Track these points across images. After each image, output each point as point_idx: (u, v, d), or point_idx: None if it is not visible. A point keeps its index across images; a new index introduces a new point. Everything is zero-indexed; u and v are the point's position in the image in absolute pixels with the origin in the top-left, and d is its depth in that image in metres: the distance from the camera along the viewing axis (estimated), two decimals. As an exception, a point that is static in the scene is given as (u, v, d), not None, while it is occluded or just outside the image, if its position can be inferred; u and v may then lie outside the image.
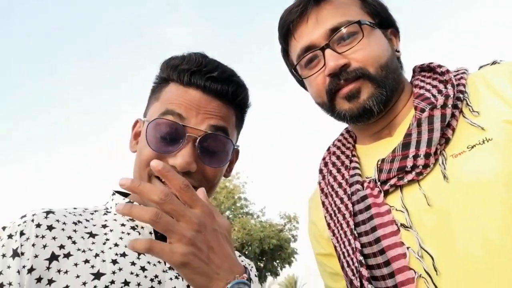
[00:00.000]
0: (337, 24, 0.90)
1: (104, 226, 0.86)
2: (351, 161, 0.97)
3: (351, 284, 0.87)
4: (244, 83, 0.92)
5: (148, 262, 0.82)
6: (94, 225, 0.85)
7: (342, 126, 1.08)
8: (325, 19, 0.92)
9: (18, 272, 0.72)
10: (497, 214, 0.72)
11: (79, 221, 0.84)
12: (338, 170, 0.98)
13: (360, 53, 0.88)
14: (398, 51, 0.97)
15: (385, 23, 0.96)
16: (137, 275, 0.79)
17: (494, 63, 0.91)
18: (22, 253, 0.74)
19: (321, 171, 1.06)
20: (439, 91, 0.87)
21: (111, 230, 0.85)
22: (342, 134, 1.09)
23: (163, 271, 0.83)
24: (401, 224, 0.80)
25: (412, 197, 0.81)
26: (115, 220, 0.88)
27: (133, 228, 0.87)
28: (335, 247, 0.93)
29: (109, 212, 0.90)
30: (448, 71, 0.90)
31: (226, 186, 14.92)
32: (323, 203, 0.99)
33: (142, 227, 0.87)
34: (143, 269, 0.81)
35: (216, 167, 0.86)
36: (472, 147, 0.78)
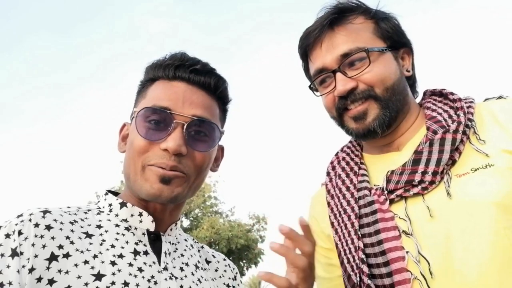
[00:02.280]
0: (348, 50, 0.98)
1: (99, 227, 0.87)
2: (359, 168, 1.06)
3: (348, 279, 0.96)
4: (223, 77, 0.98)
5: (144, 263, 0.85)
6: (89, 225, 0.86)
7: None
8: (337, 44, 1.00)
9: (18, 271, 0.73)
10: (491, 231, 0.82)
11: (75, 221, 0.85)
12: (347, 175, 1.06)
13: (368, 75, 0.97)
14: (409, 71, 1.05)
15: (397, 44, 1.05)
16: (135, 276, 0.82)
17: (500, 97, 1.01)
18: (21, 253, 0.74)
19: (328, 173, 1.15)
20: (450, 116, 0.97)
21: (106, 231, 0.87)
22: (351, 142, 1.18)
23: (159, 272, 0.86)
24: (403, 231, 0.89)
25: (415, 208, 0.90)
26: (109, 220, 0.90)
27: (127, 229, 0.89)
28: (336, 244, 1.01)
29: (102, 212, 0.92)
30: (460, 99, 1.00)
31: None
32: (328, 203, 1.07)
33: (136, 228, 0.90)
34: (140, 270, 0.83)
35: (204, 151, 0.90)
36: (476, 170, 0.88)
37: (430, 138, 0.93)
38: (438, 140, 0.91)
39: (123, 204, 0.92)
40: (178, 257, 0.95)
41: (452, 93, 1.04)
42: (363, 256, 0.92)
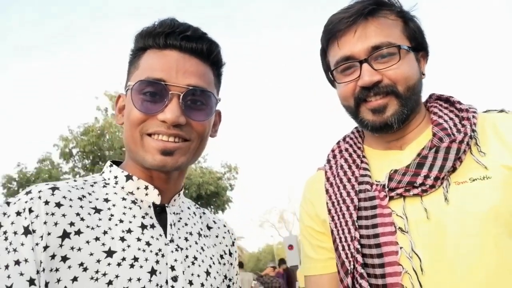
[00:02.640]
0: (379, 43, 1.00)
1: (106, 200, 0.89)
2: (361, 162, 1.11)
3: (342, 265, 1.03)
4: (215, 41, 0.97)
5: (152, 237, 0.88)
6: (97, 199, 0.87)
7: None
8: (370, 35, 1.01)
9: (33, 249, 0.73)
10: (481, 238, 0.89)
11: (83, 196, 0.86)
12: (349, 167, 1.11)
13: (393, 72, 1.00)
14: (424, 74, 1.08)
15: (419, 46, 1.07)
16: (143, 250, 0.85)
17: (502, 111, 1.06)
18: (34, 231, 0.75)
19: (329, 161, 1.20)
20: (455, 125, 1.02)
21: (113, 205, 0.88)
22: (353, 133, 1.23)
23: (165, 244, 0.89)
24: (399, 228, 0.96)
25: (412, 207, 0.97)
26: (115, 193, 0.91)
27: (133, 202, 0.91)
28: (332, 230, 1.07)
29: (108, 184, 0.93)
30: (467, 110, 1.04)
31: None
32: (327, 190, 1.13)
33: (142, 201, 0.92)
34: (148, 244, 0.86)
35: (202, 120, 0.90)
36: (474, 180, 0.94)
37: (436, 145, 0.98)
38: (444, 148, 0.97)
39: (128, 177, 0.93)
40: (183, 226, 0.98)
41: (459, 102, 1.08)
42: (359, 246, 0.99)
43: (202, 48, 0.92)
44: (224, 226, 1.15)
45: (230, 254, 1.11)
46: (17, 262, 0.72)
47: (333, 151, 1.22)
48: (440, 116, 1.06)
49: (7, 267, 0.71)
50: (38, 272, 0.73)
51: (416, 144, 1.06)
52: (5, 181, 13.43)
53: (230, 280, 1.08)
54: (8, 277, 0.70)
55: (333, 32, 1.06)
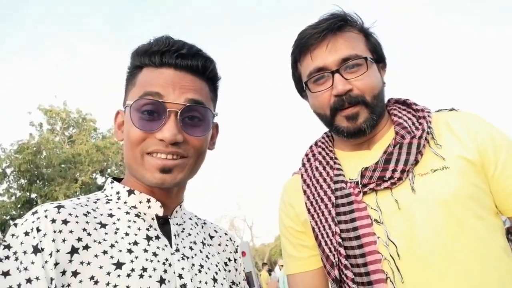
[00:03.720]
0: (348, 55, 1.10)
1: (111, 215, 0.91)
2: (334, 163, 1.20)
3: (326, 259, 1.11)
4: (210, 56, 1.00)
5: (158, 247, 0.90)
6: (101, 215, 0.89)
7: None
8: (339, 48, 1.11)
9: (43, 267, 0.75)
10: (446, 220, 1.01)
11: (88, 212, 0.88)
12: (324, 168, 1.20)
13: (361, 82, 1.10)
14: (384, 83, 1.20)
15: (379, 59, 1.19)
16: (151, 260, 0.86)
17: (452, 109, 1.20)
18: (42, 249, 0.76)
19: (304, 164, 1.28)
20: (413, 123, 1.14)
21: (118, 219, 0.90)
22: (323, 138, 1.32)
23: (171, 254, 0.91)
24: (374, 219, 1.05)
25: (384, 200, 1.06)
26: (119, 208, 0.93)
27: (137, 215, 0.93)
28: (313, 228, 1.15)
29: (111, 200, 0.95)
30: (422, 110, 1.17)
31: (116, 142, 14.33)
32: (304, 191, 1.21)
33: (145, 213, 0.94)
34: (154, 254, 0.88)
35: (200, 136, 0.93)
36: (435, 170, 1.05)
37: (399, 142, 1.09)
38: (407, 144, 1.08)
39: (130, 192, 0.95)
40: (186, 236, 1.00)
41: (415, 104, 1.21)
42: (340, 240, 1.08)
43: (198, 65, 0.94)
44: (226, 234, 1.18)
45: (235, 260, 1.14)
46: (29, 280, 0.73)
47: (306, 155, 1.31)
48: (400, 117, 1.18)
49: (19, 286, 0.72)
50: None
51: (382, 143, 1.17)
52: None
53: (237, 285, 1.11)
54: None
55: (306, 45, 1.15)
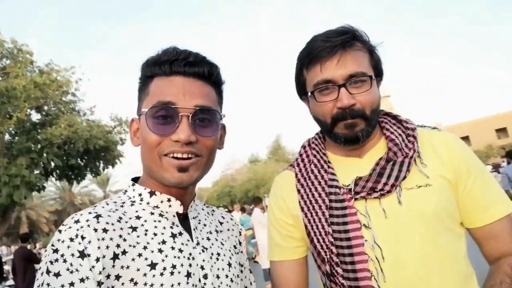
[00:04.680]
0: (355, 72, 1.20)
1: (138, 217, 0.99)
2: (328, 167, 1.32)
3: (318, 254, 1.27)
4: (215, 63, 1.10)
5: (182, 244, 1.00)
6: (130, 218, 0.98)
7: None
8: (348, 64, 1.21)
9: (90, 270, 0.82)
10: (426, 231, 1.18)
11: (120, 218, 0.96)
12: (319, 171, 1.32)
13: (364, 98, 1.21)
14: (380, 96, 1.31)
15: (378, 73, 1.30)
16: (178, 257, 0.96)
17: (434, 128, 1.35)
18: (89, 255, 0.84)
19: (298, 164, 1.40)
20: (403, 140, 1.28)
21: (145, 221, 0.99)
22: (316, 139, 1.44)
23: (193, 248, 1.02)
24: (363, 224, 1.21)
25: (373, 208, 1.21)
26: (143, 210, 1.02)
27: (160, 215, 1.03)
28: (305, 225, 1.29)
29: (134, 202, 1.03)
30: (413, 129, 1.30)
31: (56, 79, 13.40)
32: (298, 190, 1.33)
33: (167, 212, 1.04)
34: (180, 250, 0.98)
35: (210, 136, 1.02)
36: (419, 187, 1.21)
37: (392, 158, 1.23)
38: (399, 162, 1.22)
39: (152, 193, 1.03)
40: (203, 228, 1.11)
41: (406, 121, 1.34)
42: (332, 240, 1.23)
43: (204, 71, 1.02)
44: (231, 219, 1.30)
45: (240, 243, 1.27)
46: (82, 280, 0.81)
47: (301, 155, 1.42)
48: (392, 133, 1.32)
49: (72, 284, 0.80)
50: None
51: (372, 153, 1.30)
52: None
53: (242, 265, 1.24)
54: None
55: (318, 57, 1.23)
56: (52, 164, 13.30)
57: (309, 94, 1.29)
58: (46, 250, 0.87)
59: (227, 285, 1.06)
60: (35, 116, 14.19)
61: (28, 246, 10.52)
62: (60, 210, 46.75)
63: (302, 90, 1.34)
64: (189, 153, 0.98)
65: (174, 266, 0.94)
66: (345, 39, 1.22)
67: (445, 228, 1.21)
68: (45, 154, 13.00)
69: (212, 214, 1.23)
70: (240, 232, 1.30)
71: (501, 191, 1.27)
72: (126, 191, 1.07)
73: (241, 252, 1.27)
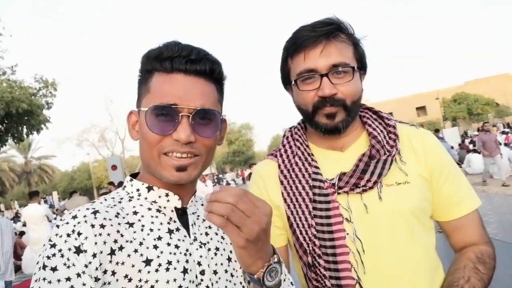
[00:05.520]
0: (338, 62, 1.22)
1: (135, 213, 0.98)
2: (312, 160, 1.34)
3: (300, 246, 1.29)
4: (217, 59, 1.09)
5: (178, 239, 0.98)
6: (127, 214, 0.97)
7: None
8: (331, 54, 1.22)
9: (86, 266, 0.82)
10: (404, 226, 1.25)
11: (118, 213, 0.95)
12: (303, 164, 1.34)
13: (345, 88, 1.23)
14: (362, 89, 1.34)
15: (362, 67, 1.32)
16: (174, 253, 0.95)
17: (412, 125, 1.41)
18: (85, 250, 0.83)
19: (281, 155, 1.40)
20: (385, 137, 1.32)
21: (142, 216, 0.98)
22: (298, 130, 1.44)
23: (190, 244, 1.01)
24: (345, 218, 1.25)
25: (355, 203, 1.25)
26: (141, 205, 1.01)
27: (158, 210, 1.01)
28: (288, 216, 1.31)
29: (132, 197, 1.02)
30: (394, 126, 1.34)
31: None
32: (281, 181, 1.34)
33: (165, 207, 1.03)
34: (176, 246, 0.97)
35: (210, 136, 1.02)
36: (399, 184, 1.26)
37: (375, 156, 1.27)
38: (382, 160, 1.26)
39: (150, 188, 1.03)
40: (202, 222, 1.09)
41: (387, 118, 1.38)
42: (315, 232, 1.26)
43: (205, 69, 1.00)
44: None
45: None
46: (78, 275, 0.81)
47: (284, 146, 1.43)
48: (374, 129, 1.35)
49: (69, 279, 0.80)
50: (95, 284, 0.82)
51: (354, 147, 1.34)
52: None
53: None
54: (72, 287, 0.79)
55: (301, 46, 1.23)
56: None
57: (293, 83, 1.29)
58: (44, 245, 0.86)
59: (226, 279, 1.05)
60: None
61: None
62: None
63: (286, 79, 1.34)
64: (188, 153, 0.97)
65: (169, 262, 0.93)
66: (330, 30, 1.23)
67: (420, 222, 1.29)
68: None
69: None
70: None
71: (469, 187, 1.37)
72: (125, 186, 1.06)
73: None
